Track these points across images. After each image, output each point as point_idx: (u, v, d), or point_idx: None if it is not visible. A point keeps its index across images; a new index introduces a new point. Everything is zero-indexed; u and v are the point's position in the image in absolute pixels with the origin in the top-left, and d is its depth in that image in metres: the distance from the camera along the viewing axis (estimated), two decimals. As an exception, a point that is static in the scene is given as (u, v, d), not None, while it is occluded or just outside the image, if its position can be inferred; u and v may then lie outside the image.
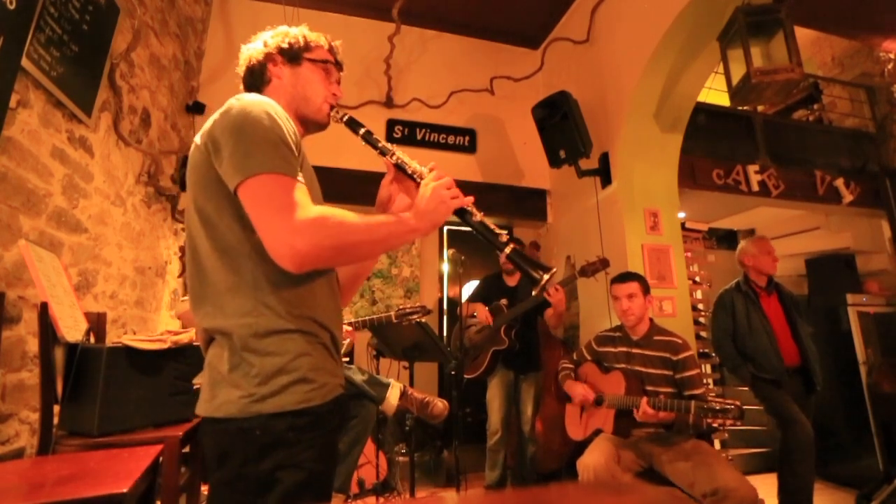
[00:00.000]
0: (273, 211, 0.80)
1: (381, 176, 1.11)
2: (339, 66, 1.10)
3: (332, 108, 1.06)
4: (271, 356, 0.82)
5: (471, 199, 0.97)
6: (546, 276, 0.92)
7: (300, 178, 0.86)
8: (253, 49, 1.05)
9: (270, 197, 0.81)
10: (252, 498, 0.80)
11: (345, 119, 1.06)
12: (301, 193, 0.84)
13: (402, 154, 1.04)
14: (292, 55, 1.04)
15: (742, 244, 2.93)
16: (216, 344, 0.87)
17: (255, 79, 1.04)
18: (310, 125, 1.06)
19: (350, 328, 2.24)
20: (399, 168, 1.04)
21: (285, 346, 0.84)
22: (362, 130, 1.06)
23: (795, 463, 2.45)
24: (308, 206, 0.82)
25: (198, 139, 0.90)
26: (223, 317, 0.85)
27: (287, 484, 0.80)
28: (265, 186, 0.81)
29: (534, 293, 1.00)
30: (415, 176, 1.01)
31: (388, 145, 1.05)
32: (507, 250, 0.94)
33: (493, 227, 0.96)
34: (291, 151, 0.87)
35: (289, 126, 0.90)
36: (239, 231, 0.86)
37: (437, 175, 0.97)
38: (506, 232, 0.97)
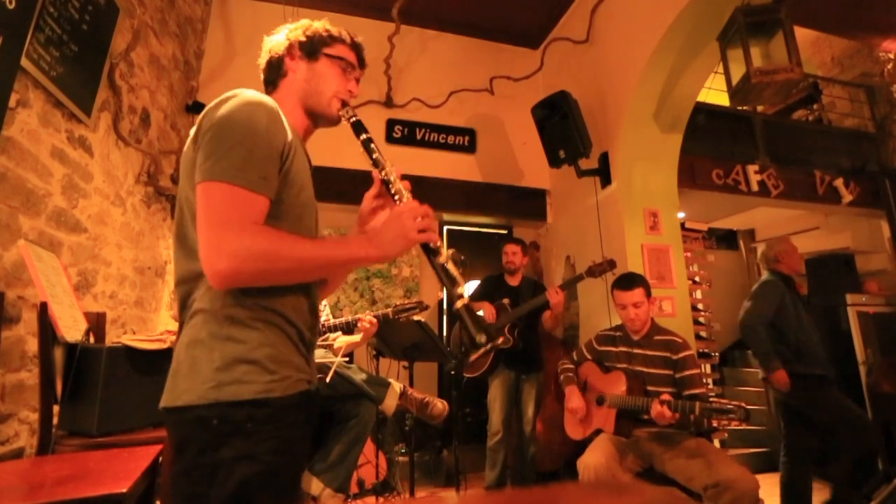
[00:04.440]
0: (211, 223, 0.80)
1: None
2: (360, 64, 1.10)
3: (344, 105, 1.05)
4: (233, 342, 0.83)
5: (437, 238, 0.92)
6: (489, 345, 0.88)
7: (264, 192, 0.84)
8: (274, 41, 1.06)
9: (215, 209, 0.81)
10: (206, 488, 0.78)
11: (353, 120, 1.06)
12: (250, 211, 0.82)
13: (393, 171, 1.02)
14: (310, 49, 1.04)
15: (772, 243, 2.90)
16: (183, 332, 0.88)
17: (273, 71, 1.05)
18: (319, 119, 1.06)
19: (375, 320, 2.27)
20: (384, 184, 1.03)
21: (248, 335, 0.84)
22: (363, 136, 1.04)
23: (855, 455, 2.52)
24: (244, 229, 0.80)
25: (194, 129, 0.91)
26: (198, 299, 0.86)
27: (243, 475, 0.78)
28: (216, 195, 0.81)
29: (471, 359, 0.96)
30: (395, 197, 0.99)
31: (383, 159, 1.03)
32: (458, 304, 0.89)
33: (455, 274, 0.90)
34: (270, 160, 0.86)
35: (279, 132, 0.89)
36: None
37: (413, 205, 0.91)
38: (463, 288, 0.91)
